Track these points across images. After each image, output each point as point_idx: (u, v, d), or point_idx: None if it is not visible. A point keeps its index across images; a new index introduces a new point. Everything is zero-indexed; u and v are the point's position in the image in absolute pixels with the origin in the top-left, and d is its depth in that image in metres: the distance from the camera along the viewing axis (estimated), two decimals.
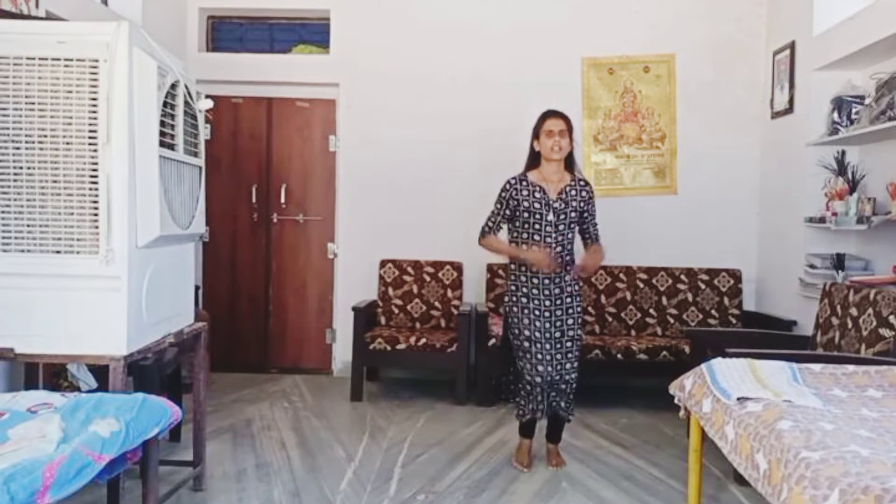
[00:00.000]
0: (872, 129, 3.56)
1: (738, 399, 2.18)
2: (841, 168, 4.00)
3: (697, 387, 2.44)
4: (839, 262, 3.92)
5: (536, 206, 3.23)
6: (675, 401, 2.62)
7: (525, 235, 3.25)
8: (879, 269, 3.79)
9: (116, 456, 1.88)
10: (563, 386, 3.27)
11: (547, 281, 3.24)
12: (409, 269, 4.99)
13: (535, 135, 3.29)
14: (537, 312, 3.24)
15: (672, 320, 4.80)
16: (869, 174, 3.90)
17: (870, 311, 3.10)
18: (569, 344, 3.28)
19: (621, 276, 4.87)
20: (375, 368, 5.04)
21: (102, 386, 2.97)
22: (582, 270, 3.29)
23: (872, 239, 3.89)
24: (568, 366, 3.27)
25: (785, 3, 4.63)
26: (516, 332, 3.28)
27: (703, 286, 4.82)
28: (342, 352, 5.12)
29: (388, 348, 4.50)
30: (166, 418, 2.13)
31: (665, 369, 3.87)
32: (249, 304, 5.25)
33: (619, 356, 4.36)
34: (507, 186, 3.28)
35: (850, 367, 2.50)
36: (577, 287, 3.32)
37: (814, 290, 3.98)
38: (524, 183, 3.27)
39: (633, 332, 4.80)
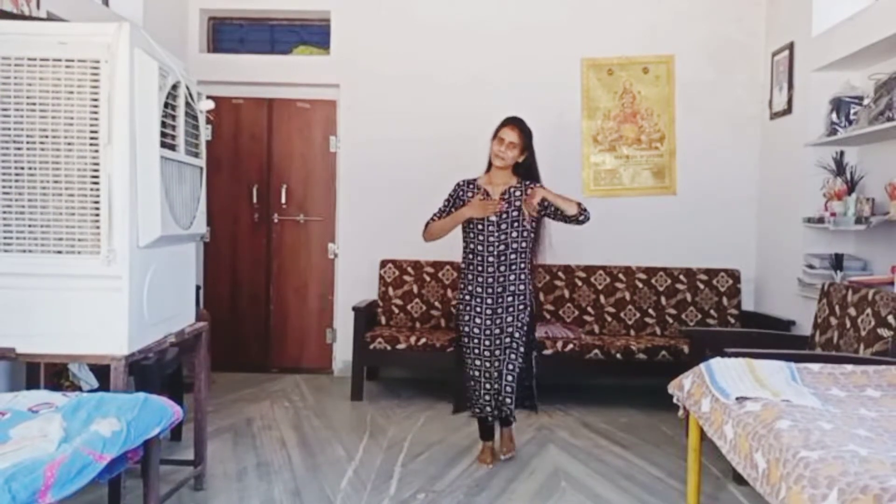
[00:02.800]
0: (871, 130, 3.57)
1: (737, 398, 2.19)
2: (839, 168, 4.01)
3: (696, 386, 2.45)
4: (837, 262, 3.93)
5: None
6: (675, 400, 2.63)
7: (471, 235, 3.38)
8: (878, 270, 3.80)
9: (117, 455, 1.89)
10: (507, 388, 3.30)
11: (490, 279, 3.34)
12: (409, 270, 5.00)
13: (493, 137, 3.38)
14: (479, 309, 3.35)
15: (671, 320, 4.81)
16: (867, 175, 3.91)
17: (868, 311, 3.11)
18: (507, 340, 3.32)
19: (620, 276, 4.88)
20: (376, 368, 5.05)
21: (104, 385, 2.97)
22: (529, 201, 3.25)
23: (871, 239, 3.90)
24: (510, 366, 3.31)
25: (784, 4, 4.64)
26: (461, 328, 3.41)
27: (701, 286, 4.83)
28: (342, 351, 5.13)
29: (389, 348, 4.51)
30: (167, 418, 2.13)
31: (664, 369, 3.88)
32: (250, 304, 5.26)
33: (618, 356, 4.37)
34: (456, 187, 3.46)
35: (849, 367, 2.51)
36: (521, 286, 3.35)
37: (812, 290, 3.99)
38: (470, 186, 3.43)
39: (632, 332, 4.81)
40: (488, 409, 3.35)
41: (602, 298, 4.87)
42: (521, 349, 3.35)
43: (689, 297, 4.83)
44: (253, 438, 3.72)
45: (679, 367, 3.27)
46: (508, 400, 3.33)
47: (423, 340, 4.50)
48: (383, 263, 5.01)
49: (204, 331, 3.04)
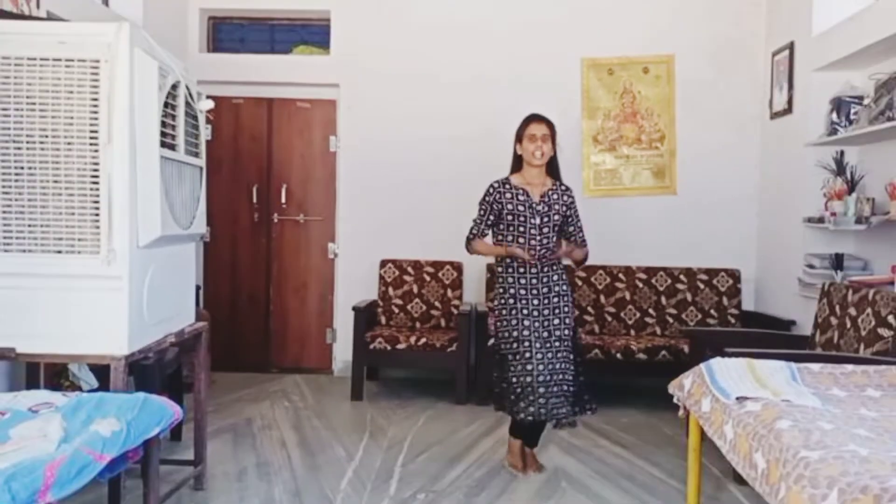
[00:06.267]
0: (871, 130, 3.57)
1: (737, 398, 2.19)
2: (840, 168, 4.01)
3: (696, 386, 2.45)
4: (838, 262, 3.93)
5: (521, 209, 3.23)
6: (675, 400, 2.63)
7: (510, 238, 3.24)
8: (878, 269, 3.79)
9: (117, 455, 1.89)
10: (565, 387, 3.17)
11: (535, 280, 3.23)
12: (410, 269, 5.00)
13: (518, 138, 3.30)
14: (525, 311, 3.21)
15: (671, 320, 4.81)
16: (868, 174, 3.91)
17: (868, 310, 3.11)
18: (557, 344, 3.21)
19: (620, 275, 4.88)
20: (376, 368, 5.04)
21: (104, 385, 2.97)
22: (567, 253, 3.29)
23: (871, 239, 3.90)
24: (559, 365, 3.19)
25: (784, 4, 4.64)
26: (505, 334, 3.23)
27: (702, 286, 4.83)
28: (342, 351, 5.13)
29: (389, 348, 4.51)
30: (167, 418, 2.13)
31: (664, 369, 3.87)
32: (250, 304, 5.26)
33: (618, 356, 4.37)
34: (491, 190, 3.28)
35: (849, 367, 2.51)
36: (565, 287, 3.29)
37: (812, 289, 3.98)
38: (507, 186, 3.26)
39: (632, 332, 4.80)
40: (543, 411, 3.15)
41: (602, 298, 4.86)
42: (571, 349, 3.25)
43: (689, 296, 4.82)
44: (253, 438, 3.72)
45: (679, 366, 3.26)
46: (569, 408, 3.19)
47: (423, 340, 4.50)
48: (383, 263, 5.01)
49: (204, 331, 3.04)
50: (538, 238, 3.23)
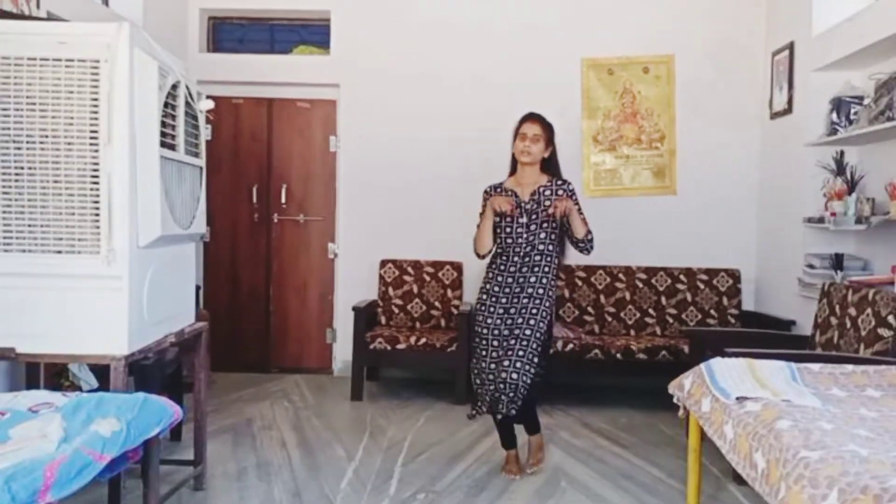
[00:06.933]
0: (871, 130, 3.57)
1: (737, 398, 2.19)
2: (840, 168, 4.01)
3: (696, 386, 2.45)
4: (838, 262, 3.93)
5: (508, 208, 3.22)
6: (675, 400, 2.63)
7: (502, 236, 3.29)
8: (878, 270, 3.79)
9: (117, 455, 1.89)
10: (501, 385, 3.07)
11: (510, 279, 3.23)
12: (410, 269, 5.00)
13: (514, 137, 3.30)
14: (492, 310, 3.24)
15: (671, 320, 4.81)
16: (868, 174, 3.91)
17: (868, 310, 3.11)
18: (513, 342, 3.13)
19: (620, 276, 4.88)
20: (376, 368, 5.04)
21: (103, 385, 2.97)
22: (554, 209, 3.13)
23: (871, 239, 3.90)
24: (506, 363, 3.08)
25: (784, 4, 4.64)
26: (475, 327, 3.33)
27: (702, 286, 4.83)
28: (342, 351, 5.13)
29: (389, 348, 4.51)
30: (167, 418, 2.13)
31: (664, 369, 3.86)
32: (250, 304, 5.26)
33: (618, 356, 4.37)
34: (485, 195, 3.35)
35: (849, 367, 2.51)
36: (540, 290, 3.20)
37: (812, 290, 3.98)
38: (498, 190, 3.33)
39: (632, 332, 4.80)
40: (488, 407, 3.21)
41: (602, 298, 4.86)
42: (531, 350, 3.11)
43: (689, 296, 4.82)
44: (253, 438, 3.72)
45: (679, 367, 3.26)
46: (511, 395, 3.06)
47: (423, 340, 4.50)
48: (383, 263, 5.01)
49: (204, 331, 3.04)
50: (525, 236, 3.23)
